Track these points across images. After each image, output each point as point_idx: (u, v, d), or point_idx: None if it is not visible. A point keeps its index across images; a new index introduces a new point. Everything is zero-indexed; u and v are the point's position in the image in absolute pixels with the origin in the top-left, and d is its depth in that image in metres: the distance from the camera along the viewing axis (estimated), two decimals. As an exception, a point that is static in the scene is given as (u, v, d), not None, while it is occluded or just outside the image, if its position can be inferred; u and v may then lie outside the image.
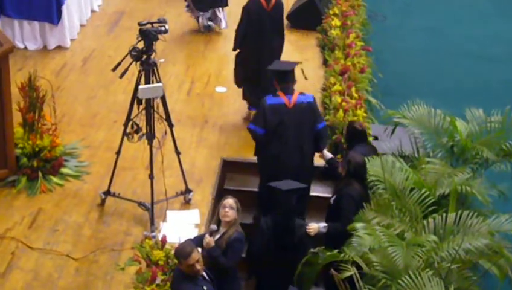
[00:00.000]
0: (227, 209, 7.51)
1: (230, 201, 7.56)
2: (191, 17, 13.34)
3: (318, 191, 9.50)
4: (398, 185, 7.82)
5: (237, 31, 10.55)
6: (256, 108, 9.24)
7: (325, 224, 8.01)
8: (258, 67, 10.27)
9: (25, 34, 12.36)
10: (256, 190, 9.23)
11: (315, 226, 7.93)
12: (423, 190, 7.70)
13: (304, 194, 8.54)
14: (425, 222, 7.32)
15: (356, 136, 8.88)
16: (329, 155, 8.90)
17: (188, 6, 13.32)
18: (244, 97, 10.80)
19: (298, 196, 8.01)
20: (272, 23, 10.44)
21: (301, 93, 8.85)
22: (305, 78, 9.23)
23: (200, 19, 13.21)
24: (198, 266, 6.79)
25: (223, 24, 13.17)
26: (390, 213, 7.47)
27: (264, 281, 8.14)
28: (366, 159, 8.11)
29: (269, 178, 8.43)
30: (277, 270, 7.89)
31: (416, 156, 9.02)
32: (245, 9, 10.47)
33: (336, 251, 7.33)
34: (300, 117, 8.71)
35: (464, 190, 7.86)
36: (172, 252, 7.74)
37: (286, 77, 8.86)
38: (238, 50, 10.61)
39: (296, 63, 9.31)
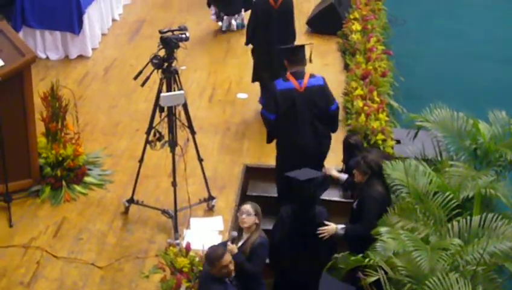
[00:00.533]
0: (244, 216, 7.51)
1: (246, 207, 7.56)
2: (211, 24, 13.37)
3: (337, 195, 9.54)
4: (422, 189, 7.77)
5: (247, 26, 11.02)
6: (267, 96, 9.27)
7: (343, 225, 7.95)
8: (270, 63, 10.51)
9: (46, 44, 12.45)
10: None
11: (332, 227, 7.85)
12: (447, 193, 7.66)
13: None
14: (449, 225, 7.29)
15: (350, 149, 8.97)
16: (343, 176, 8.75)
17: (215, 13, 13.52)
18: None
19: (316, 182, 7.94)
20: (279, 21, 10.64)
21: (311, 76, 8.89)
22: (310, 61, 9.30)
23: (226, 20, 13.45)
24: (232, 267, 6.87)
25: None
26: (414, 217, 7.44)
27: (285, 272, 8.06)
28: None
29: (287, 163, 8.55)
30: (298, 259, 7.86)
31: (440, 159, 8.97)
32: (253, 6, 10.84)
33: (360, 255, 7.30)
34: (312, 100, 8.78)
35: (488, 192, 7.80)
36: (197, 259, 7.77)
37: (297, 58, 8.91)
38: (251, 45, 10.92)
39: (304, 45, 9.37)
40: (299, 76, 8.85)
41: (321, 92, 8.85)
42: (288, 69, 8.93)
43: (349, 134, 9.74)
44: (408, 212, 7.48)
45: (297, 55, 8.94)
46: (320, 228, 7.82)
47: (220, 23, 13.58)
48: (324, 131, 8.92)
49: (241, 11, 13.51)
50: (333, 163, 9.29)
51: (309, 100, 8.77)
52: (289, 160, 8.67)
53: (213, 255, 6.87)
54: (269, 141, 9.16)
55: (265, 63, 10.71)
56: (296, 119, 8.78)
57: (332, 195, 9.36)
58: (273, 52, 10.28)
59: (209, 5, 13.63)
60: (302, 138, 8.79)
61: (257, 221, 7.54)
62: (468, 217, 7.26)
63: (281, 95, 8.79)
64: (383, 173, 7.96)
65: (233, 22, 13.52)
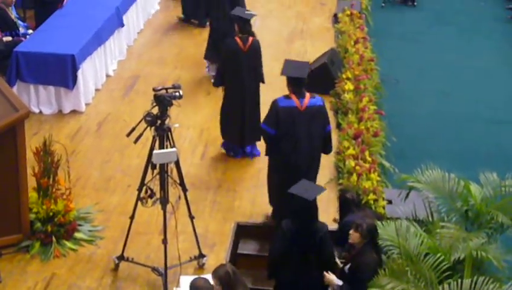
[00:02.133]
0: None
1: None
2: (205, 81, 13.48)
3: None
4: (413, 250, 7.77)
5: (217, 68, 11.50)
6: (269, 109, 9.52)
7: (341, 282, 7.94)
8: (242, 106, 11.13)
9: (40, 99, 12.48)
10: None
11: (333, 279, 7.96)
12: (438, 255, 7.65)
13: None
14: (440, 287, 7.25)
15: (347, 205, 8.98)
16: (339, 282, 8.28)
17: (208, 67, 13.83)
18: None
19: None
20: (248, 64, 11.08)
21: (312, 96, 9.28)
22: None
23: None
24: None
25: None
26: (405, 279, 7.41)
27: (284, 283, 8.22)
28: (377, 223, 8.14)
29: (281, 178, 9.16)
30: (298, 272, 8.05)
31: (431, 220, 8.95)
32: (223, 48, 11.26)
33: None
34: (311, 120, 9.18)
35: (479, 255, 7.78)
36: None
37: (299, 83, 9.30)
38: (220, 88, 11.43)
39: (307, 65, 9.83)
40: (300, 95, 9.24)
41: (320, 112, 9.28)
42: (290, 90, 9.33)
43: (345, 190, 9.76)
44: (399, 273, 7.45)
45: (301, 81, 9.33)
46: (325, 274, 7.97)
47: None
48: (318, 151, 9.36)
49: None
50: (325, 221, 9.27)
51: (308, 119, 9.15)
52: (282, 175, 9.16)
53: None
54: (268, 153, 9.60)
55: (234, 113, 11.16)
56: (293, 136, 9.16)
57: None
58: (244, 102, 11.01)
59: (205, 58, 13.81)
60: (297, 155, 9.15)
61: None
62: (459, 280, 7.24)
63: (282, 112, 9.22)
64: (377, 238, 7.99)
65: None
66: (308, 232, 8.08)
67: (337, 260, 8.29)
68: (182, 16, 16.32)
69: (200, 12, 15.50)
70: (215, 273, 7.14)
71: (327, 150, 9.55)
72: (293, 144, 9.18)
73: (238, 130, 11.25)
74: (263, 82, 11.30)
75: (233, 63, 11.11)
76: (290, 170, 9.10)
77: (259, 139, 10.50)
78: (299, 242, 8.03)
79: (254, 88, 11.19)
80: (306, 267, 8.11)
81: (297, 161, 9.18)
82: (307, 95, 9.31)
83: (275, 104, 9.33)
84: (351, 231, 8.15)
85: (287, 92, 9.40)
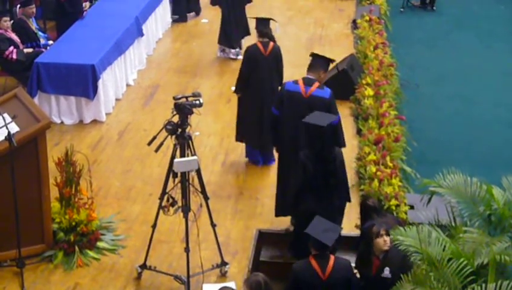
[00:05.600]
0: None
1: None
2: (224, 89, 13.53)
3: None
4: (436, 256, 7.71)
5: (239, 74, 11.45)
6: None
7: None
8: (261, 109, 11.16)
9: (61, 109, 12.56)
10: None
11: None
12: (461, 260, 7.59)
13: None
14: (464, 292, 7.23)
15: (369, 212, 8.95)
16: None
17: (222, 50, 14.95)
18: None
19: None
20: (269, 68, 11.18)
21: (320, 87, 9.44)
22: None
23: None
24: None
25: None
26: (428, 284, 7.37)
27: (305, 213, 8.36)
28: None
29: (284, 160, 9.59)
30: (321, 199, 8.50)
31: (453, 225, 8.92)
32: (245, 54, 11.36)
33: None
34: (313, 109, 9.12)
35: (503, 259, 7.72)
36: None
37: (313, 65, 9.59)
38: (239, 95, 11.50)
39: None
40: (308, 83, 9.41)
41: (323, 104, 9.32)
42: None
43: (366, 196, 9.74)
44: (422, 279, 7.41)
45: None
46: None
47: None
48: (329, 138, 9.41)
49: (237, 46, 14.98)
50: (347, 228, 9.28)
51: (310, 108, 9.14)
52: (286, 156, 9.53)
53: None
54: (270, 131, 9.97)
55: (254, 119, 11.27)
56: (294, 120, 9.27)
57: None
58: (265, 106, 10.97)
59: (219, 42, 14.98)
60: (297, 140, 9.27)
61: None
62: (483, 285, 7.19)
63: (287, 96, 9.52)
64: None
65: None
66: (327, 158, 8.49)
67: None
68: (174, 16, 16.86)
69: (178, 8, 16.76)
70: (246, 282, 7.15)
71: (339, 143, 9.46)
72: (295, 129, 9.30)
73: (257, 135, 11.28)
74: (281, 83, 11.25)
75: (255, 67, 11.17)
76: (293, 152, 9.18)
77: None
78: (319, 168, 8.39)
79: (274, 93, 11.15)
80: (327, 193, 8.54)
81: (297, 145, 9.23)
82: (316, 84, 9.43)
83: (282, 86, 9.74)
84: (384, 239, 7.98)
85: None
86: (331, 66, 10.57)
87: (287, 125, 9.52)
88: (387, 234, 8.00)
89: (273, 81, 11.18)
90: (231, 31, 14.80)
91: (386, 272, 7.99)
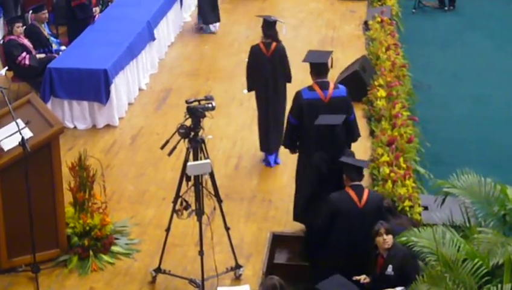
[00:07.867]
0: None
1: None
2: (237, 92, 13.54)
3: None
4: (450, 256, 7.70)
5: (246, 74, 11.54)
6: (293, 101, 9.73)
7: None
8: (266, 110, 11.23)
9: (74, 114, 12.58)
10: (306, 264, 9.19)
11: None
12: (476, 260, 7.58)
13: None
14: (480, 293, 7.21)
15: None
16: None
17: (201, 28, 16.26)
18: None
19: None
20: (273, 68, 11.14)
21: (335, 87, 9.42)
22: (331, 67, 9.64)
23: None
24: None
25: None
26: (443, 285, 7.36)
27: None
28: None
29: (307, 168, 9.31)
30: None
31: (468, 225, 8.90)
32: (249, 53, 11.39)
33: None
34: (336, 111, 9.23)
35: (518, 259, 7.72)
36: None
37: (321, 70, 9.43)
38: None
39: (329, 53, 9.81)
40: (324, 86, 9.35)
41: (344, 103, 9.38)
42: (313, 79, 9.45)
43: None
44: (437, 280, 7.40)
45: (322, 68, 9.45)
46: None
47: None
48: (342, 139, 9.37)
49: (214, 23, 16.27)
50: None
51: (332, 111, 9.22)
52: (309, 164, 9.32)
53: None
54: (285, 142, 9.85)
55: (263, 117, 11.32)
56: (318, 127, 9.22)
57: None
58: (270, 107, 11.11)
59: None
60: (322, 146, 9.23)
61: None
62: (499, 285, 7.18)
63: (307, 105, 9.35)
64: None
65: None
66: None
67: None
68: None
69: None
70: (262, 285, 7.18)
71: (354, 136, 9.57)
72: (319, 136, 9.22)
73: (264, 136, 11.30)
74: (289, 82, 11.30)
75: (257, 68, 11.21)
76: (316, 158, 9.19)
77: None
78: (334, 169, 8.58)
79: (278, 93, 11.21)
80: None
81: (322, 152, 9.22)
82: (331, 85, 9.41)
83: (298, 96, 9.49)
84: (383, 237, 8.03)
85: None
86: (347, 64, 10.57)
87: (311, 134, 9.35)
88: (387, 233, 8.04)
89: (278, 81, 11.17)
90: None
91: (389, 269, 8.05)
